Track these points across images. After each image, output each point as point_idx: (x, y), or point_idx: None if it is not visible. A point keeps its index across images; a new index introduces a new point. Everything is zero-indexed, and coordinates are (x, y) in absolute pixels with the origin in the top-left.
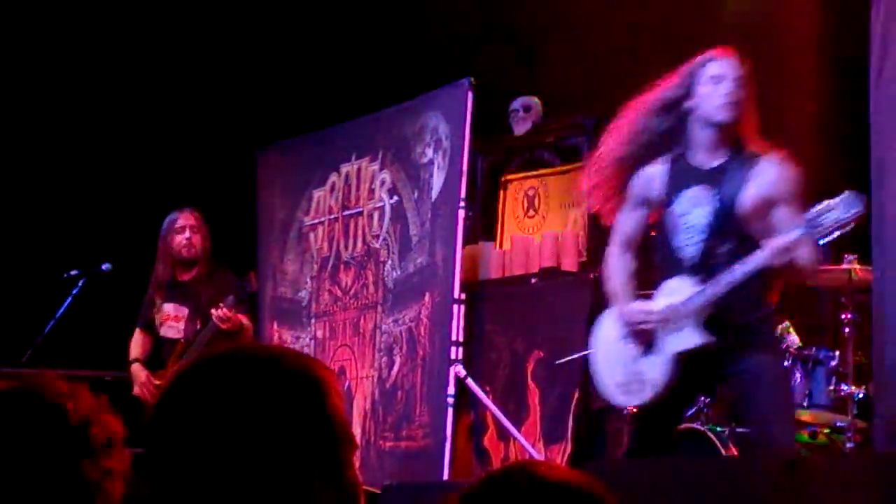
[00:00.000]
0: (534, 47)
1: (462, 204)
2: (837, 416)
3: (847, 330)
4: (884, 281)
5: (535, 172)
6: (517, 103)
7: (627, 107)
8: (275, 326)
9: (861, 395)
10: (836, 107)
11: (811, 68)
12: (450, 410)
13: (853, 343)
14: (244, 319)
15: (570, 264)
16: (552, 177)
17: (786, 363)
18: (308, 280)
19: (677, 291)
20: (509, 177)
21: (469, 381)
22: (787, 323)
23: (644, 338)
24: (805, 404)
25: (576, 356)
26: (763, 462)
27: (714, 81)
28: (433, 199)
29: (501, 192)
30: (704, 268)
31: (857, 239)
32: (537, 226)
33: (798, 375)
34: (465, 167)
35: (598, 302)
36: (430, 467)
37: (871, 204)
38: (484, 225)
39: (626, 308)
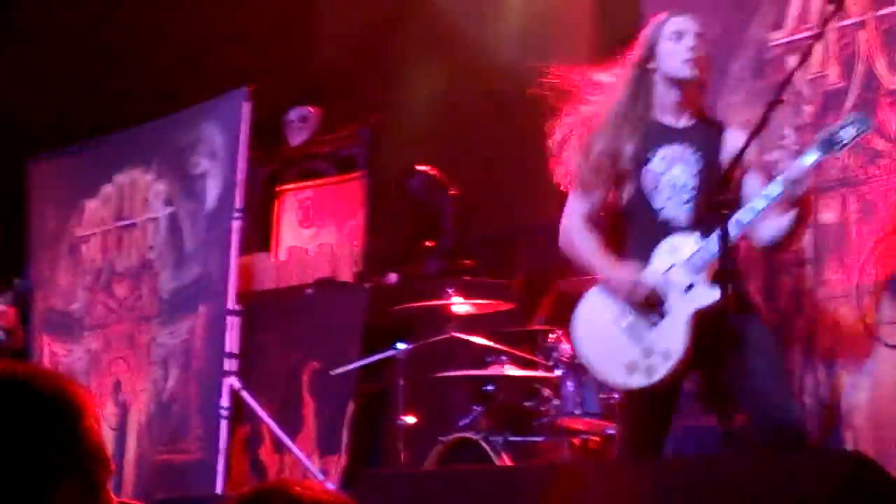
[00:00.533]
0: (314, 57)
1: (237, 214)
2: (609, 423)
3: None
4: None
5: (310, 183)
6: (293, 114)
7: (593, 83)
8: (45, 339)
9: None
10: None
11: None
12: (224, 423)
13: None
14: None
15: (345, 275)
16: (327, 187)
17: (558, 372)
18: (81, 292)
19: (679, 249)
20: (284, 187)
21: (244, 393)
22: (558, 332)
23: (649, 306)
24: (577, 412)
25: (351, 367)
26: (535, 471)
27: (675, 38)
28: (208, 210)
29: (275, 203)
30: (699, 225)
31: None
32: (313, 236)
33: (570, 384)
34: (240, 177)
35: (374, 311)
36: (205, 480)
37: None
38: (260, 236)
39: (619, 278)
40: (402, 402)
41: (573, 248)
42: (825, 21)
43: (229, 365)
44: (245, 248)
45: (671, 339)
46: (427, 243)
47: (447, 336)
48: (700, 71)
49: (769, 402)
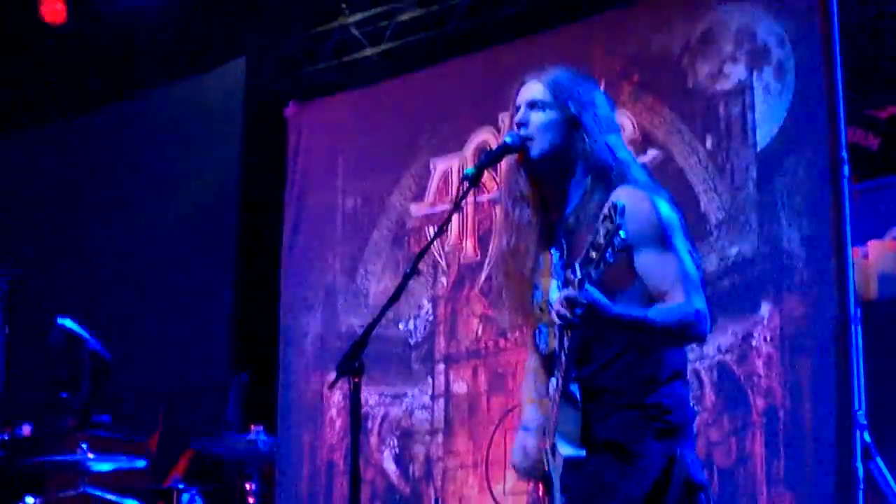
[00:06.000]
0: None
1: None
2: None
3: (252, 501)
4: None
5: None
6: None
7: None
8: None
9: None
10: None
11: None
12: None
13: None
14: None
15: None
16: None
17: None
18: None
19: None
20: None
21: None
22: (192, 491)
23: None
24: None
25: None
26: None
27: None
28: None
29: None
30: None
31: (265, 409)
32: None
33: None
34: None
35: (5, 463)
36: None
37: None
38: None
39: None
40: None
41: None
42: (461, 196)
43: None
44: None
45: None
46: (63, 396)
47: (79, 492)
48: None
49: None
